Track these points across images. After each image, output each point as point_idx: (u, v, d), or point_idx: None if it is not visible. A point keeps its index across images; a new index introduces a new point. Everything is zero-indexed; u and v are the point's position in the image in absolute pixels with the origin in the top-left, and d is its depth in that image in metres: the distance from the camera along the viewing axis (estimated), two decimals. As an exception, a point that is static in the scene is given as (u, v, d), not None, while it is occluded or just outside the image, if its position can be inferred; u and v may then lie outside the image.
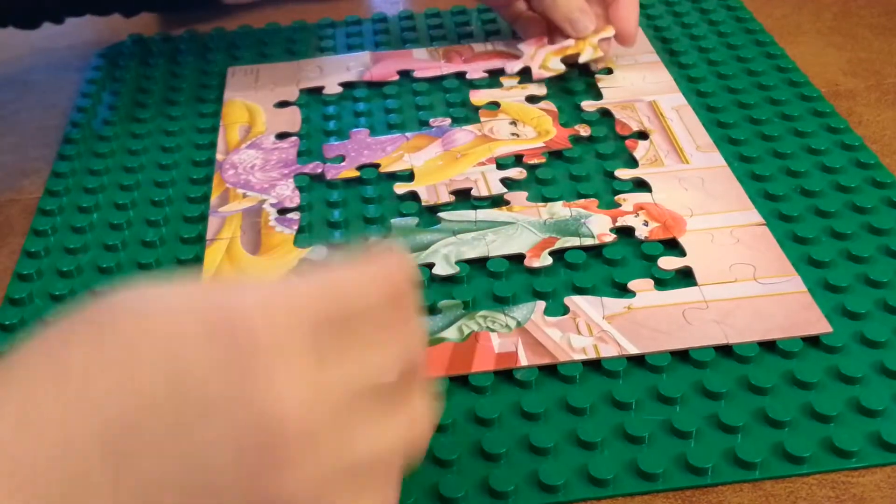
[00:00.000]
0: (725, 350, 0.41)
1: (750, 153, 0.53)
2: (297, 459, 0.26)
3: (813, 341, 0.41)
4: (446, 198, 0.50)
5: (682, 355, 0.41)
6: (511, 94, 0.59)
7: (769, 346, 0.41)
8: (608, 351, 0.41)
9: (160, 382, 0.25)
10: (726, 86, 0.59)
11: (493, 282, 0.45)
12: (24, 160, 0.58)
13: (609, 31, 0.59)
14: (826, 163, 0.52)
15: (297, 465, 0.26)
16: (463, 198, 0.51)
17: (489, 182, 0.51)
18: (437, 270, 0.45)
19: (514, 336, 0.42)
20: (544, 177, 0.52)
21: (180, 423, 0.25)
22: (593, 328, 0.42)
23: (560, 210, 0.49)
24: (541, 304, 0.44)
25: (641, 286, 0.44)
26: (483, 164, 0.53)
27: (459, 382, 0.40)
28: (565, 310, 0.43)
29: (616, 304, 0.43)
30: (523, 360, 0.41)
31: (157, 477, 0.25)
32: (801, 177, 0.51)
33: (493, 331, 0.42)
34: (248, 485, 0.26)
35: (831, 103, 0.57)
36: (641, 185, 0.51)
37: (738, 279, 0.44)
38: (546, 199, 0.50)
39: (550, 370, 0.41)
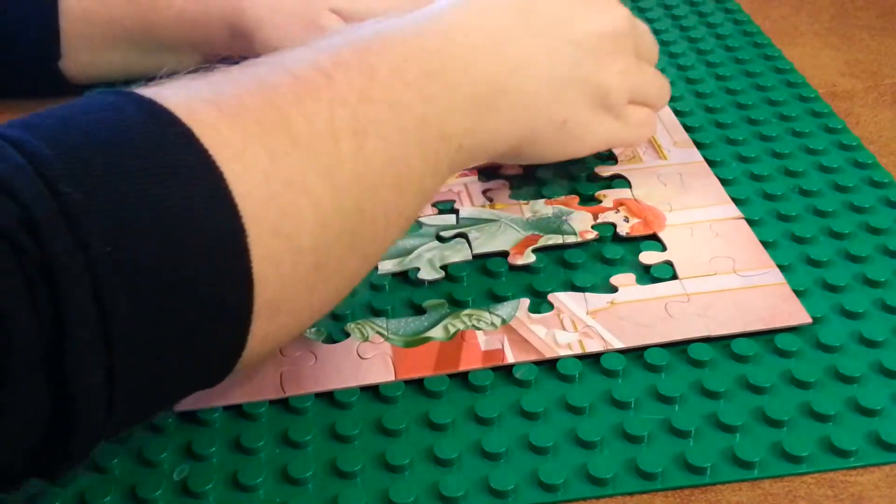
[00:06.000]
0: (724, 349, 0.41)
1: (748, 153, 0.53)
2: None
3: (811, 340, 0.41)
4: (429, 210, 0.50)
5: (680, 354, 0.41)
6: None
7: (768, 344, 0.41)
8: (593, 346, 0.41)
9: None
10: (725, 87, 0.59)
11: (485, 279, 0.46)
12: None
13: None
14: (824, 162, 0.52)
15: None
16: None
17: (472, 194, 0.51)
18: (422, 275, 0.46)
19: (499, 333, 0.42)
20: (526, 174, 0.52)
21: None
22: (578, 324, 0.42)
23: (542, 207, 0.50)
24: (525, 302, 0.44)
25: (624, 281, 0.45)
26: (465, 174, 0.53)
27: (459, 382, 0.41)
28: (549, 306, 0.44)
29: (599, 299, 0.44)
30: (510, 357, 0.41)
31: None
32: (799, 176, 0.51)
33: (478, 329, 0.43)
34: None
35: (829, 104, 0.57)
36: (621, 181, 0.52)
37: (718, 272, 0.45)
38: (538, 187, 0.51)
39: (549, 369, 0.41)
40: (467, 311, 0.44)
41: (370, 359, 0.41)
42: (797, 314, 0.42)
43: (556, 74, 0.44)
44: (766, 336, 0.42)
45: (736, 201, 0.49)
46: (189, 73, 0.36)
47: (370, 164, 0.36)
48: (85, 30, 0.59)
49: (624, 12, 0.47)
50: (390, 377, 0.40)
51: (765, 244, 0.46)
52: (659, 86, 0.51)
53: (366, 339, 0.42)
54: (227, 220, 0.32)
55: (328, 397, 0.40)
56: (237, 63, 0.61)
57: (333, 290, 0.38)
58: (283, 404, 0.40)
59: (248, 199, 0.32)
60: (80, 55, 0.60)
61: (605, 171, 0.52)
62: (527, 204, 0.50)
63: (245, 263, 0.32)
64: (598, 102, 0.46)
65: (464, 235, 0.48)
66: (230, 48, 0.60)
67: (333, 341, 0.43)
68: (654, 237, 0.47)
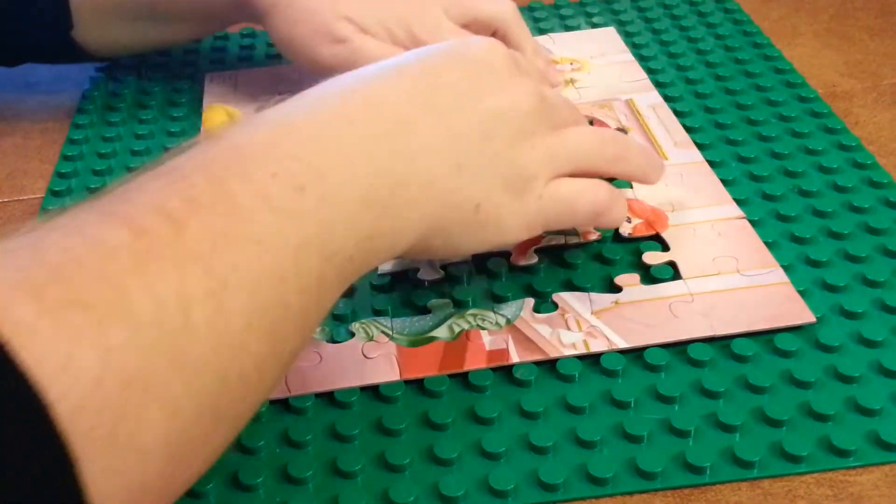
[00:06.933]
0: (723, 348, 0.41)
1: (748, 153, 0.53)
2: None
3: (811, 340, 0.42)
4: None
5: (680, 354, 0.41)
6: None
7: (767, 344, 0.41)
8: (598, 346, 0.41)
9: (457, 76, 0.40)
10: (724, 87, 0.59)
11: (485, 279, 0.46)
12: (27, 160, 0.59)
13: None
14: (823, 163, 0.52)
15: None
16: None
17: None
18: (421, 275, 0.46)
19: (504, 333, 0.42)
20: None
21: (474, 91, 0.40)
22: (582, 323, 0.43)
23: None
24: (529, 301, 0.44)
25: (628, 281, 0.45)
26: None
27: (459, 381, 0.41)
28: (552, 306, 0.44)
29: (604, 299, 0.44)
30: (514, 357, 0.41)
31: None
32: (799, 177, 0.52)
33: (483, 328, 0.43)
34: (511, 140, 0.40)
35: (828, 104, 0.57)
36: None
37: (721, 272, 0.45)
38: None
39: (549, 369, 0.41)
40: (472, 311, 0.44)
41: (375, 358, 0.42)
42: (801, 313, 0.42)
43: (463, 158, 0.38)
44: (765, 336, 0.42)
45: (736, 202, 0.49)
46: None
47: (231, 324, 0.31)
48: (91, 2, 0.59)
49: (532, 87, 0.41)
50: (395, 377, 0.41)
51: (764, 244, 0.46)
52: (597, 142, 0.43)
53: (371, 339, 0.43)
54: (54, 453, 0.27)
55: (328, 397, 0.40)
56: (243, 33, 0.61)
57: (196, 466, 0.32)
58: (284, 404, 0.40)
59: (78, 416, 0.27)
60: (90, 26, 0.60)
61: None
62: None
63: (79, 497, 0.27)
64: (515, 183, 0.40)
65: None
66: (239, 22, 0.61)
67: (337, 341, 0.43)
68: (656, 238, 0.48)
